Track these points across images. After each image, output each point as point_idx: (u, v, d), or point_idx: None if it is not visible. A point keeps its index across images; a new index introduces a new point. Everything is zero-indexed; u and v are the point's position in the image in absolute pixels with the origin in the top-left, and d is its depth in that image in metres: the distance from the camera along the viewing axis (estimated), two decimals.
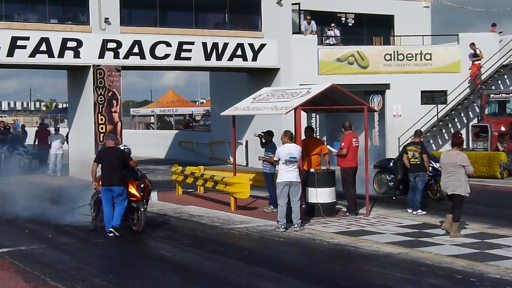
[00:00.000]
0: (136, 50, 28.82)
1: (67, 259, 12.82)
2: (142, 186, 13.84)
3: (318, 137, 19.98)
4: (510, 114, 29.01)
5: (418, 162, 17.84)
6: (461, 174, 13.86)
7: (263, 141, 18.26)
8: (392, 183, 19.55)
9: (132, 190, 13.64)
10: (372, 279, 10.68)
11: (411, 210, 17.63)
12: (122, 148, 14.96)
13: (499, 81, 33.25)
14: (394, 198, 19.34)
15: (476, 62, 31.83)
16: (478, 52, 31.71)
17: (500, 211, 16.10)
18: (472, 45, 31.93)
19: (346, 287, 10.47)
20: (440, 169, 15.92)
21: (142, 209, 13.56)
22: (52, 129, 34.03)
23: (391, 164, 19.73)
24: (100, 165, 14.61)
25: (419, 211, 17.38)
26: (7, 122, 52.83)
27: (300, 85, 20.54)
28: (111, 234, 13.97)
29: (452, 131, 32.69)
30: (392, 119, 32.79)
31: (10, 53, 26.67)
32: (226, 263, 12.54)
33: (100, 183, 14.46)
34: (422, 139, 18.71)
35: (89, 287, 10.75)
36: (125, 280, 11.38)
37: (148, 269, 12.46)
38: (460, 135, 14.97)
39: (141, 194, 13.68)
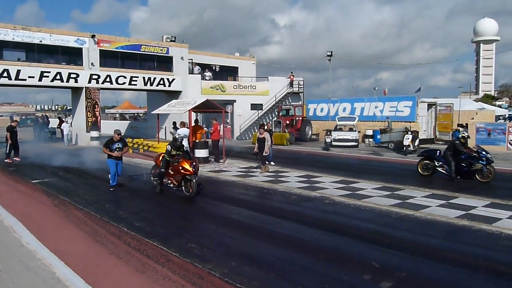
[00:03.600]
0: (108, 79, 27.73)
1: (71, 186, 12.46)
2: (193, 164, 10.57)
3: (200, 124, 19.99)
4: (290, 116, 29.91)
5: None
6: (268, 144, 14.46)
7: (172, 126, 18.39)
8: (440, 168, 13.06)
9: (186, 166, 10.40)
10: (226, 192, 11.05)
11: (272, 163, 16.29)
12: (177, 136, 11.15)
13: (287, 100, 34.32)
14: (455, 180, 12.40)
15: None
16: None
17: (287, 160, 16.73)
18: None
19: (212, 197, 10.78)
20: (491, 158, 12.28)
21: (194, 180, 10.34)
22: (64, 120, 32.26)
23: (437, 153, 13.39)
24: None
25: (272, 162, 16.26)
26: (39, 115, 50.14)
27: (191, 99, 20.39)
28: (112, 189, 11.50)
29: (265, 124, 33.73)
30: (237, 117, 33.05)
31: (40, 80, 25.12)
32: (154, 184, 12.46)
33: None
34: (265, 127, 18.07)
35: (80, 199, 10.55)
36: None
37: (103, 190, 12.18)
38: (265, 125, 15.38)
39: (193, 169, 10.41)
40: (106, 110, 65.45)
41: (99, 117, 27.74)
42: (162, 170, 10.90)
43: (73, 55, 26.76)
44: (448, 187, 11.38)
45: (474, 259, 6.06)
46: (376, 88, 41.42)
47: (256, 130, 18.89)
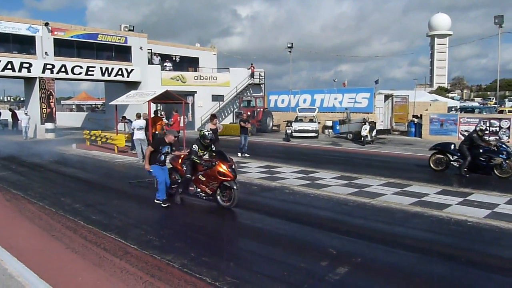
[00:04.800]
0: (63, 69, 26.83)
1: (24, 180, 11.98)
2: (233, 167, 8.28)
3: (160, 116, 19.70)
4: (251, 107, 29.98)
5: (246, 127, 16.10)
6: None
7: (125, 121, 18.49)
8: (455, 162, 12.02)
9: (224, 170, 8.08)
10: None
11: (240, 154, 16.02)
12: (206, 133, 8.68)
13: (248, 92, 34.32)
14: (468, 176, 11.52)
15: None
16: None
17: (247, 151, 16.65)
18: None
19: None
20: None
21: (235, 187, 8.05)
22: (20, 112, 30.89)
23: (452, 147, 12.27)
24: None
25: (246, 154, 16.03)
26: None
27: (151, 90, 20.01)
28: (166, 205, 8.43)
29: (226, 115, 33.65)
30: (198, 108, 32.85)
31: None
32: (112, 177, 12.26)
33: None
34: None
35: (34, 193, 10.18)
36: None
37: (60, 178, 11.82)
38: (214, 115, 14.93)
39: (233, 174, 8.15)
40: (61, 101, 63.38)
41: (54, 109, 26.87)
42: (188, 176, 8.61)
43: (25, 44, 25.74)
44: (403, 176, 11.77)
45: (425, 243, 6.31)
46: (336, 80, 42.29)
47: (219, 122, 18.69)
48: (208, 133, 8.72)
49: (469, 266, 5.48)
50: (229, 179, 8.11)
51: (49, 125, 25.90)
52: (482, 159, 11.55)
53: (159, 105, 27.95)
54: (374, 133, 22.03)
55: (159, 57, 32.30)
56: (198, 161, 8.49)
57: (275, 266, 5.46)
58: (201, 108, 32.81)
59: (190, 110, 32.45)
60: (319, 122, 26.61)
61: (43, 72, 26.03)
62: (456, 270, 5.35)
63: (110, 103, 21.35)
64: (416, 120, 25.33)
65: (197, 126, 32.46)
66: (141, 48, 30.45)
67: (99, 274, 5.20)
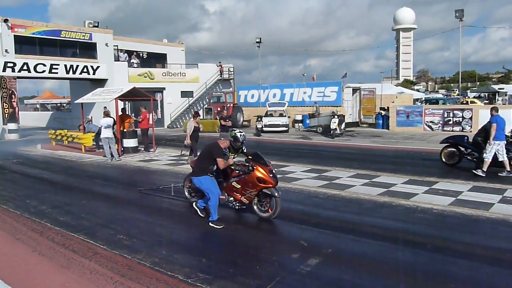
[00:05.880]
0: (25, 67, 26.00)
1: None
2: (273, 171, 7.14)
3: (128, 113, 19.40)
4: (221, 102, 29.84)
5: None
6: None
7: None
8: (469, 156, 11.32)
9: (264, 175, 6.96)
10: (155, 181, 10.72)
11: None
12: (239, 134, 7.77)
13: (217, 87, 34.19)
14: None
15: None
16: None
17: None
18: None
19: (142, 186, 10.38)
20: None
21: (276, 194, 6.97)
22: None
23: (466, 140, 11.53)
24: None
25: None
26: None
27: (118, 87, 19.63)
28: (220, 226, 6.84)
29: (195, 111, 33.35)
30: (167, 104, 32.50)
31: None
32: (80, 177, 11.97)
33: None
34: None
35: (19, 204, 9.84)
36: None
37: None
38: (197, 112, 14.67)
39: (275, 180, 7.04)
40: (25, 100, 61.42)
41: (17, 108, 26.03)
42: (220, 180, 7.54)
43: None
44: (372, 167, 12.00)
45: (393, 232, 6.46)
46: (305, 74, 42.49)
47: (188, 118, 18.48)
48: (241, 135, 7.78)
49: (434, 252, 5.64)
50: (270, 185, 7.06)
51: (11, 126, 25.05)
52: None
53: (126, 102, 27.53)
54: (343, 126, 22.36)
55: (125, 54, 31.74)
56: (233, 166, 7.46)
57: (247, 260, 5.47)
58: (170, 105, 32.46)
59: (159, 107, 32.06)
60: (289, 116, 26.78)
61: (4, 70, 25.16)
62: (422, 256, 5.51)
63: (75, 102, 20.85)
64: (383, 113, 25.83)
65: (166, 123, 32.15)
66: (106, 44, 29.87)
67: (68, 276, 5.08)
